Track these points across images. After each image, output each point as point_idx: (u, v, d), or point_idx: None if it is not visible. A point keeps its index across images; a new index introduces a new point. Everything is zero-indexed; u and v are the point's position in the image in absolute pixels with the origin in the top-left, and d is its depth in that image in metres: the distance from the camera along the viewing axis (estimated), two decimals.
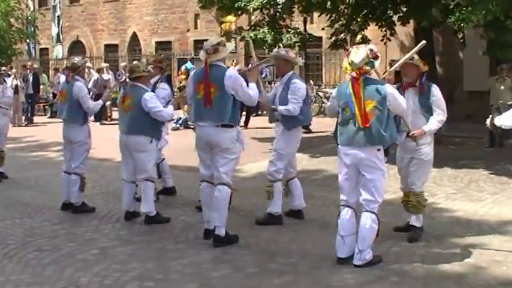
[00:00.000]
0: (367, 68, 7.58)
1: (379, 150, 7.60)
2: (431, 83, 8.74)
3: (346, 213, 7.82)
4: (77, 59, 11.25)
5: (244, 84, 8.69)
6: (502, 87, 16.70)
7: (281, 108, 9.50)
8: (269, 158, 9.93)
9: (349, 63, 7.64)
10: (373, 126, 7.49)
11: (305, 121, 10.04)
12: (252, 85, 8.80)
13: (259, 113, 26.13)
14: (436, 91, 8.60)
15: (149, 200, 9.86)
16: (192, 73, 9.42)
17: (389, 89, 7.64)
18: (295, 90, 9.52)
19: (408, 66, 8.58)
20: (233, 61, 26.01)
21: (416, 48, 8.55)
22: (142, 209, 9.86)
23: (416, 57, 8.59)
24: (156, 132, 9.97)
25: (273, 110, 9.60)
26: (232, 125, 8.72)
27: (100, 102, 11.58)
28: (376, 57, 7.66)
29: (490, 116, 8.39)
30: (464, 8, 14.47)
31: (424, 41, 8.85)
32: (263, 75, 24.19)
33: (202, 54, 8.85)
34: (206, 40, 9.09)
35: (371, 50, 7.65)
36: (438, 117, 8.52)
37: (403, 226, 9.06)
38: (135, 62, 10.68)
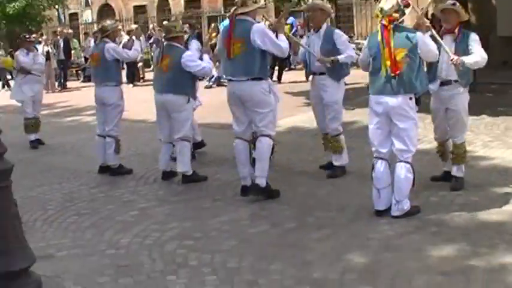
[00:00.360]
0: (397, 15, 7.50)
1: (410, 98, 7.53)
2: (470, 31, 8.63)
3: (380, 166, 7.78)
4: (108, 22, 11.28)
5: (274, 36, 8.62)
6: None
7: (341, 56, 9.47)
8: (322, 114, 9.90)
9: (379, 10, 7.58)
10: (404, 74, 7.43)
11: (347, 72, 10.00)
12: (281, 36, 8.73)
13: (292, 67, 26.05)
14: (475, 37, 8.48)
15: (186, 160, 9.89)
16: (221, 29, 9.38)
17: (420, 36, 7.55)
18: (343, 38, 9.63)
19: (449, 12, 8.47)
20: (262, 16, 25.84)
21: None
22: (179, 168, 9.90)
23: (457, 3, 8.48)
24: (193, 91, 10.00)
25: (332, 62, 9.48)
26: (262, 77, 8.69)
27: (137, 43, 11.45)
28: (407, 5, 7.59)
29: None
30: None
31: None
32: (293, 31, 24.03)
33: (232, 9, 8.85)
34: None
35: None
36: (478, 56, 8.39)
37: (440, 175, 9.03)
38: (171, 22, 10.64)
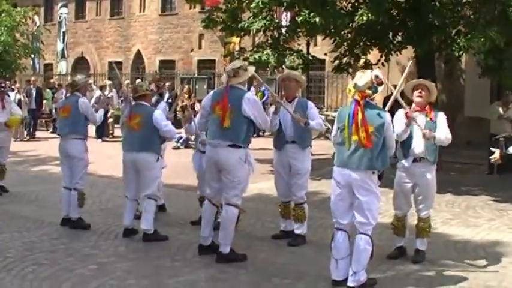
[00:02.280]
0: (369, 92, 7.67)
1: (373, 173, 7.67)
2: (439, 111, 8.91)
3: (339, 236, 7.86)
4: (79, 77, 11.44)
5: (262, 109, 8.91)
6: (506, 117, 16.81)
7: (313, 122, 9.67)
8: (285, 182, 10.03)
9: (353, 86, 7.76)
10: (368, 150, 7.57)
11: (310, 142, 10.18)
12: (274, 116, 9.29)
13: (260, 134, 26.22)
14: (443, 116, 8.84)
15: (150, 218, 9.94)
16: (210, 93, 9.53)
17: (389, 118, 7.75)
18: (314, 109, 9.91)
19: (423, 89, 8.76)
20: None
21: (406, 72, 8.71)
22: (142, 225, 9.93)
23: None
24: (160, 149, 10.13)
25: (305, 124, 9.66)
26: (241, 145, 8.83)
27: (101, 111, 11.65)
28: (380, 84, 7.76)
29: (497, 149, 8.44)
30: (465, 36, 14.63)
31: (410, 61, 8.98)
32: (265, 98, 24.27)
33: (224, 77, 9.07)
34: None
35: (376, 76, 7.76)
36: (444, 134, 8.64)
37: (396, 252, 9.15)
38: (138, 81, 10.81)
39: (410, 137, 8.75)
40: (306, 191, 9.94)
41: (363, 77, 7.75)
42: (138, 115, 10.01)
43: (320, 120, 9.83)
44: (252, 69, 9.29)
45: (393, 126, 8.00)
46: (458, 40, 14.79)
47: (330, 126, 22.94)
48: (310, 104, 9.94)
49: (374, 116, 7.65)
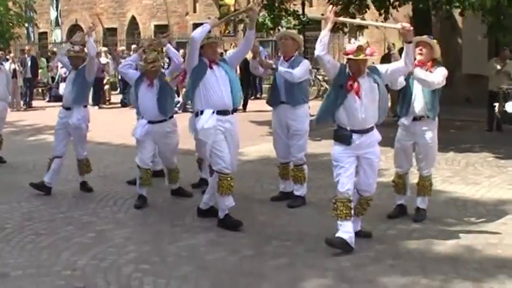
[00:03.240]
0: None
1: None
2: (441, 65, 8.82)
3: None
4: (74, 38, 11.31)
5: None
6: (504, 71, 16.72)
7: (282, 69, 9.53)
8: (284, 143, 9.98)
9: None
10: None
11: (307, 99, 10.05)
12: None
13: (258, 96, 26.18)
14: (442, 70, 8.73)
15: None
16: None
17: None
18: (304, 65, 9.65)
19: (424, 45, 8.67)
20: (231, 44, 26.01)
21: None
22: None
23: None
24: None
25: (272, 68, 9.60)
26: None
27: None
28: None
29: (497, 103, 8.34)
30: None
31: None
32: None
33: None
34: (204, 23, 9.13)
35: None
36: (432, 76, 8.58)
37: (396, 211, 9.13)
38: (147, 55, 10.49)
39: (410, 94, 8.68)
40: (305, 152, 9.87)
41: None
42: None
43: (295, 72, 9.47)
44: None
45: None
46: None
47: (327, 86, 22.95)
48: (304, 61, 9.75)
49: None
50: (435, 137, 8.84)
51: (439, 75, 8.55)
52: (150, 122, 9.86)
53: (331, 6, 8.13)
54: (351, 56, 7.60)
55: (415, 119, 8.75)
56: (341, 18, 8.19)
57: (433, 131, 8.82)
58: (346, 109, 7.62)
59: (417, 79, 8.53)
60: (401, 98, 8.78)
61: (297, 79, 9.43)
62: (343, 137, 7.67)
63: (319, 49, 7.55)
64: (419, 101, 8.68)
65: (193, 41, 8.64)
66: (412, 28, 7.74)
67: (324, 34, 7.58)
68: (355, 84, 7.59)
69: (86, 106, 11.00)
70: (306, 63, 9.67)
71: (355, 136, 7.63)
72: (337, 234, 7.63)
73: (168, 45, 10.29)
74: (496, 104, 8.19)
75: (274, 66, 9.59)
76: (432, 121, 8.77)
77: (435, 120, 8.80)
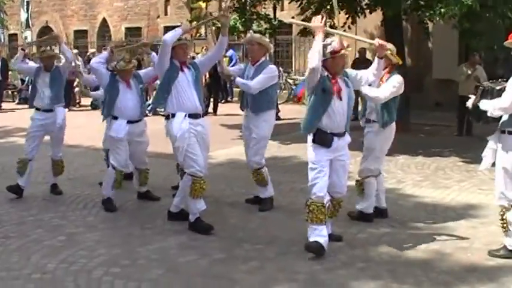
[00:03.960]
0: None
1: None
2: (396, 73, 8.84)
3: None
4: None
5: None
6: (474, 76, 16.85)
7: (239, 80, 9.58)
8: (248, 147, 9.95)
9: None
10: None
11: (272, 106, 10.01)
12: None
13: (229, 99, 26.19)
14: (395, 78, 8.77)
15: (104, 184, 10.09)
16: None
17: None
18: (266, 70, 9.61)
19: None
20: (202, 47, 25.98)
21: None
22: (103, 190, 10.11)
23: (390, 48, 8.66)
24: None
25: (230, 80, 9.68)
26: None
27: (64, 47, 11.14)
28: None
29: (473, 96, 8.35)
30: (437, 4, 14.57)
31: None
32: (232, 63, 24.14)
33: None
34: (176, 26, 9.11)
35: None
36: (378, 92, 8.63)
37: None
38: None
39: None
40: (262, 156, 9.83)
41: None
42: None
43: (253, 83, 9.47)
44: None
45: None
46: (436, 7, 14.71)
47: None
48: (267, 69, 9.68)
49: None
50: (377, 142, 8.96)
51: (386, 89, 8.60)
52: (128, 122, 9.84)
53: (319, 16, 8.07)
54: (343, 52, 7.64)
55: (368, 121, 8.93)
56: (329, 29, 8.18)
57: (377, 135, 8.93)
58: (329, 113, 7.63)
59: (363, 95, 8.63)
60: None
61: (253, 91, 9.46)
62: (325, 140, 7.65)
63: (316, 60, 7.48)
64: (370, 105, 8.87)
65: (165, 44, 8.61)
66: (385, 44, 7.83)
67: (319, 45, 7.54)
68: (337, 86, 7.64)
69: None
70: (269, 71, 9.64)
71: (335, 139, 7.66)
72: (313, 239, 7.63)
73: (153, 53, 10.25)
74: (472, 97, 8.17)
75: (232, 77, 9.66)
76: (380, 126, 8.88)
77: (385, 128, 8.84)
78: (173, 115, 8.64)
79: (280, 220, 9.27)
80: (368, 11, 17.66)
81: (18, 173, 10.75)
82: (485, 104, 7.71)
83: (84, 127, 10.19)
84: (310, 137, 7.77)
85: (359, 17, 18.14)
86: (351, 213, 9.09)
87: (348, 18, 18.11)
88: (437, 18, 15.24)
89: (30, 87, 10.82)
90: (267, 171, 9.86)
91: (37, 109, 10.81)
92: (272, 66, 9.83)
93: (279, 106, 22.02)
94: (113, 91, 9.86)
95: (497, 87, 7.68)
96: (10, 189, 10.71)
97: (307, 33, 18.87)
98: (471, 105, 8.00)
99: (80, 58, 27.37)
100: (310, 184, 7.73)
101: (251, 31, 18.05)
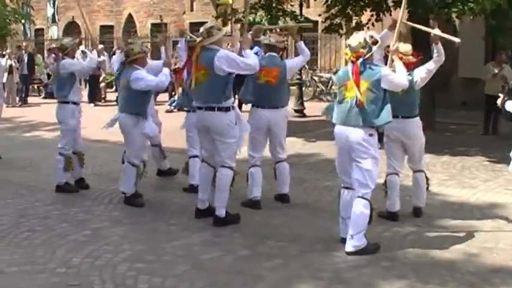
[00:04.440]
0: (363, 51, 7.62)
1: (371, 135, 7.58)
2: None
3: (346, 195, 7.88)
4: (66, 40, 11.27)
5: (238, 57, 8.70)
6: (500, 75, 16.76)
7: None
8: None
9: (348, 47, 7.73)
10: (366, 106, 7.50)
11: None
12: (248, 52, 8.83)
13: None
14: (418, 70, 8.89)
15: (127, 181, 9.98)
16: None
17: (384, 71, 7.69)
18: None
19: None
20: (228, 44, 25.96)
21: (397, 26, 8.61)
22: (120, 187, 10.05)
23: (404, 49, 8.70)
24: (143, 110, 9.96)
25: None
26: (229, 108, 8.73)
27: (94, 56, 11.27)
28: (375, 43, 7.72)
29: (501, 95, 8.30)
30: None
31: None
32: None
33: (198, 39, 8.93)
34: (202, 23, 9.12)
35: (371, 36, 7.76)
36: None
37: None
38: (129, 45, 10.58)
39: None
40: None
41: (355, 38, 7.78)
42: (124, 77, 9.91)
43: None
44: (225, 29, 9.20)
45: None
46: (465, 2, 14.63)
47: (324, 88, 22.99)
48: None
49: (369, 73, 7.60)
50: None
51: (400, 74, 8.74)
52: None
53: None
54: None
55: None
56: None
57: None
58: None
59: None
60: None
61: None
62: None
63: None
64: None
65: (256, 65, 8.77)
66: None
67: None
68: None
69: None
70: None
71: None
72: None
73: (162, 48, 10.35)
74: (501, 96, 8.15)
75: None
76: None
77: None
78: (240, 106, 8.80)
79: (304, 218, 9.25)
80: (394, 7, 17.54)
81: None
82: (510, 105, 7.68)
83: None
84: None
85: (385, 15, 18.04)
86: (381, 213, 9.06)
87: (371, 16, 18.03)
88: (466, 15, 15.14)
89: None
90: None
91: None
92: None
93: (304, 103, 22.07)
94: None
95: None
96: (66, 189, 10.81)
97: (331, 30, 18.84)
98: (500, 105, 7.96)
99: (105, 53, 27.57)
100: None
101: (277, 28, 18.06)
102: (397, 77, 7.85)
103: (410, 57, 8.83)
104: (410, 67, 8.72)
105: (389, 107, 7.66)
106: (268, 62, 9.45)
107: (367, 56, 7.65)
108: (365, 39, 7.67)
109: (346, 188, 7.89)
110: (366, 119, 7.53)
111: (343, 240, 7.78)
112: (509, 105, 7.81)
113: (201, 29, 8.83)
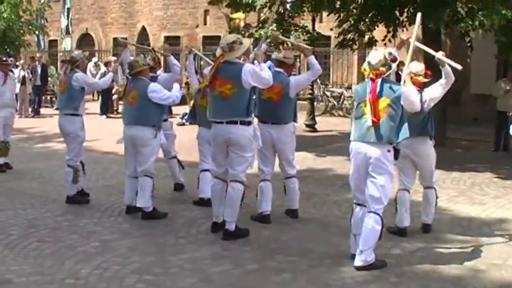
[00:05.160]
0: (383, 69, 7.63)
1: (389, 151, 7.60)
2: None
3: (358, 211, 7.89)
4: (76, 52, 11.42)
5: (259, 71, 8.72)
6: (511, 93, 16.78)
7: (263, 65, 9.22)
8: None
9: (367, 64, 7.74)
10: (385, 123, 7.53)
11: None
12: (263, 65, 8.88)
13: None
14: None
15: (146, 195, 9.89)
16: (208, 68, 9.47)
17: (404, 89, 7.71)
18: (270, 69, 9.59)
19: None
20: (241, 58, 26.05)
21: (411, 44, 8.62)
22: (139, 203, 9.91)
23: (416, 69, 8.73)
24: (159, 121, 10.04)
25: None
26: (250, 121, 8.78)
27: (110, 75, 11.70)
28: (394, 60, 7.73)
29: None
30: (477, 14, 14.50)
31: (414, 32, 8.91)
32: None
33: (218, 52, 8.93)
34: (215, 36, 9.17)
35: (390, 53, 7.75)
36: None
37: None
38: (133, 58, 10.71)
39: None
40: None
41: (375, 55, 7.78)
42: (134, 88, 9.95)
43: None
44: (247, 42, 9.18)
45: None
46: (475, 17, 14.66)
47: (336, 103, 23.04)
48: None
49: (388, 90, 7.62)
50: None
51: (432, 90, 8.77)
52: None
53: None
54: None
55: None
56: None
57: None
58: None
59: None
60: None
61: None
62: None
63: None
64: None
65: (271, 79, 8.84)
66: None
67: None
68: None
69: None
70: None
71: None
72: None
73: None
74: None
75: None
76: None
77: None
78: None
79: (313, 232, 9.26)
80: (408, 23, 17.58)
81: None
82: None
83: (120, 134, 10.23)
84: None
85: (397, 31, 18.08)
86: (389, 228, 9.06)
87: (388, 32, 18.06)
88: (476, 29, 15.18)
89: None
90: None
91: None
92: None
93: (316, 118, 22.09)
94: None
95: None
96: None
97: (344, 45, 18.88)
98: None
99: (119, 66, 27.63)
100: None
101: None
102: (411, 95, 7.87)
103: (420, 77, 8.84)
104: (420, 86, 8.75)
105: (407, 124, 7.69)
106: (273, 78, 9.43)
107: (387, 73, 7.68)
108: (385, 57, 7.69)
109: (359, 204, 7.90)
110: (384, 136, 7.55)
111: (353, 257, 7.78)
112: None
113: (222, 43, 8.87)
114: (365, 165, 7.71)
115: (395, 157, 7.78)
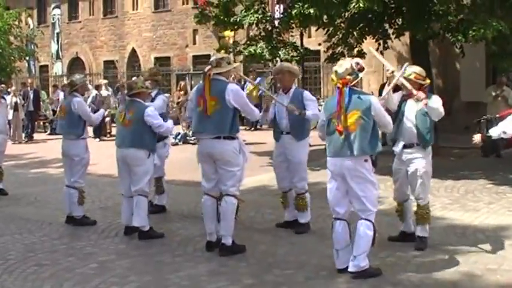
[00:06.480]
0: (350, 77, 7.70)
1: (366, 160, 7.68)
2: (433, 94, 8.96)
3: (338, 226, 7.92)
4: (77, 77, 11.50)
5: (246, 99, 8.92)
6: (501, 96, 16.95)
7: (309, 112, 9.72)
8: (284, 172, 10.16)
9: (334, 74, 7.82)
10: (357, 135, 7.59)
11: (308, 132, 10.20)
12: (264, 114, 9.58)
13: (258, 127, 26.24)
14: (437, 98, 8.86)
15: (142, 214, 9.93)
16: (195, 88, 9.57)
17: (374, 100, 7.79)
18: (309, 96, 9.96)
19: (412, 84, 8.74)
20: (232, 76, 26.09)
21: (401, 71, 8.67)
22: (135, 223, 9.93)
23: (412, 73, 8.78)
24: (153, 145, 10.10)
25: (300, 113, 9.70)
26: (233, 137, 8.85)
27: (101, 111, 11.87)
28: (361, 70, 7.80)
29: (478, 133, 8.48)
30: (474, 26, 14.61)
31: (406, 63, 9.00)
32: (260, 91, 24.26)
33: (206, 68, 9.04)
34: (205, 55, 9.32)
35: (357, 63, 7.84)
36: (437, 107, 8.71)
37: (397, 236, 9.19)
38: (133, 79, 10.80)
39: (400, 122, 8.77)
40: (306, 181, 10.00)
41: (342, 64, 7.85)
42: (130, 111, 10.02)
43: (316, 111, 9.77)
44: (236, 65, 9.32)
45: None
46: (466, 29, 14.81)
47: None
48: (306, 94, 10.00)
49: (358, 101, 7.68)
50: (427, 165, 8.88)
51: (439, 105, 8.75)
52: None
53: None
54: None
55: (405, 146, 8.83)
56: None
57: (426, 158, 8.87)
58: None
59: (430, 109, 8.66)
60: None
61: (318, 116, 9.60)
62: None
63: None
64: (409, 129, 8.78)
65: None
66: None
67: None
68: None
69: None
70: (312, 97, 10.09)
71: None
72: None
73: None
74: (478, 135, 8.44)
75: (301, 111, 9.67)
76: (423, 149, 8.84)
77: (427, 149, 8.85)
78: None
79: (310, 245, 9.32)
80: (394, 36, 17.72)
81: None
82: (493, 131, 7.93)
83: (114, 156, 10.27)
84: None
85: (386, 43, 18.22)
86: (391, 237, 9.14)
87: (379, 45, 18.18)
88: (467, 42, 15.33)
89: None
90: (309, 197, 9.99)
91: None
92: (307, 93, 10.15)
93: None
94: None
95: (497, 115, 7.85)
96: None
97: (333, 59, 18.98)
98: (482, 141, 8.29)
99: (110, 88, 27.80)
100: None
101: (278, 60, 18.21)
102: (384, 115, 7.95)
103: (420, 80, 8.88)
104: (419, 89, 8.79)
105: (379, 134, 7.79)
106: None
107: (353, 82, 7.75)
108: (352, 66, 7.76)
109: (338, 219, 7.95)
110: (359, 148, 7.61)
111: (339, 271, 7.86)
112: (493, 131, 8.07)
113: (212, 58, 9.06)
114: (342, 179, 7.80)
115: (374, 165, 7.85)
